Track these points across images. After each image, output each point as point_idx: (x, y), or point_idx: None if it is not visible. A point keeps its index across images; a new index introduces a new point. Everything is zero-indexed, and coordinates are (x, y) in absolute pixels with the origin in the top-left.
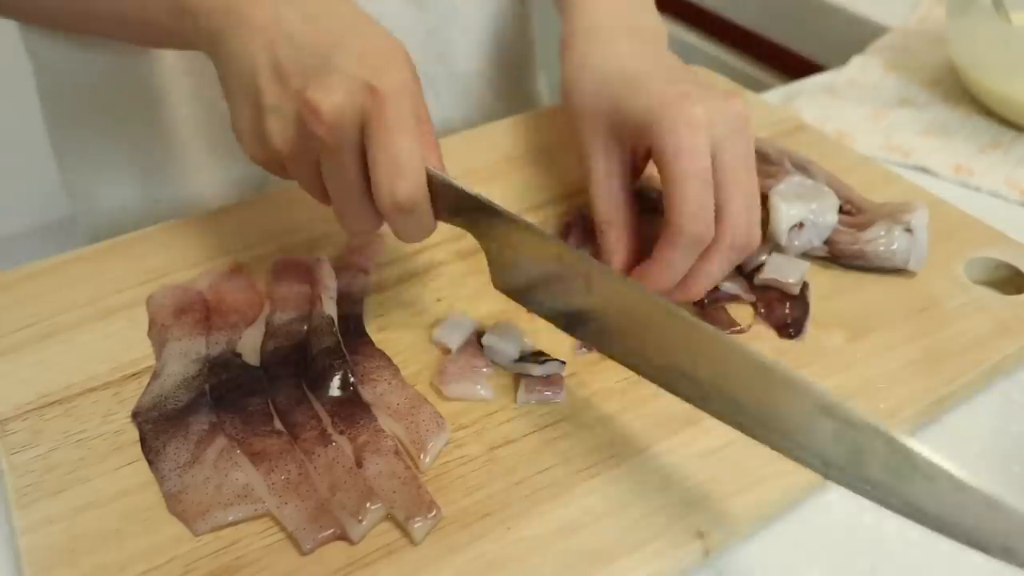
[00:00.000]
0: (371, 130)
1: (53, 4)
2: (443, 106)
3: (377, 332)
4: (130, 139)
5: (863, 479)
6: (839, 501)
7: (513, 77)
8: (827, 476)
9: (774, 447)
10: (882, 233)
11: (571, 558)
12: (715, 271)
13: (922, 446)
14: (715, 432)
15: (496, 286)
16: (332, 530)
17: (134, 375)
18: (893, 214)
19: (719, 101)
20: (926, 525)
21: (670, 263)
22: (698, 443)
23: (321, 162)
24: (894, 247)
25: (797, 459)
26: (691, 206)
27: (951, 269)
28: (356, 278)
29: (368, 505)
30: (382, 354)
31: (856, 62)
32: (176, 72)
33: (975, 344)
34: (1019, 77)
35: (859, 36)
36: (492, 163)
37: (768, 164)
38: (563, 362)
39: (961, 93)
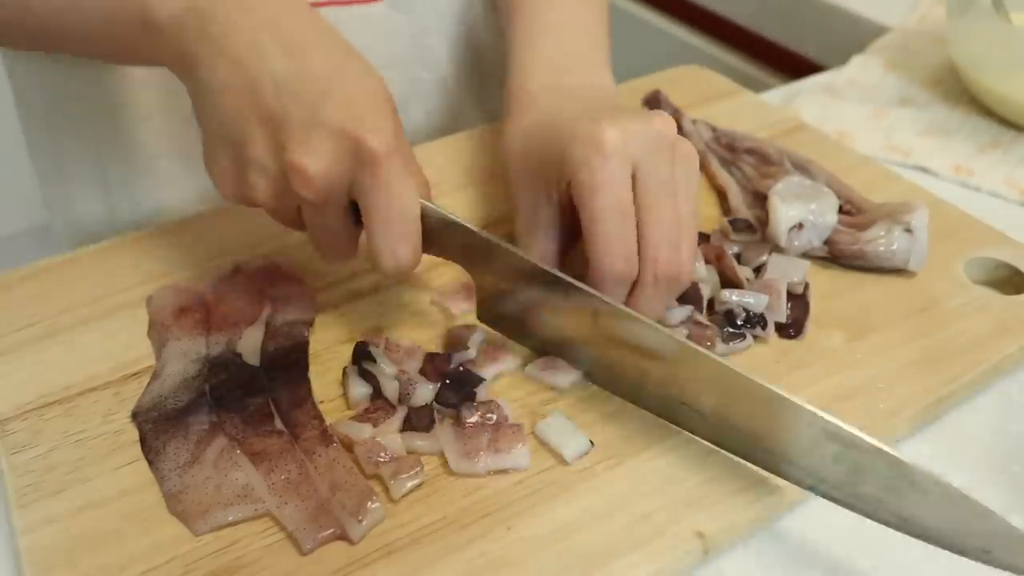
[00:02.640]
0: (366, 191)
1: (18, 22)
2: (429, 112)
3: (375, 332)
4: (100, 150)
5: (857, 495)
6: None
7: (493, 84)
8: (819, 493)
9: (773, 471)
10: (882, 233)
11: (571, 558)
12: (644, 307)
13: (916, 464)
14: None
15: (480, 319)
16: (332, 530)
17: (134, 375)
18: (893, 214)
19: (637, 122)
20: (910, 534)
21: None
22: (698, 443)
23: (303, 211)
24: (894, 247)
25: (794, 480)
26: (607, 244)
27: (951, 269)
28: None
29: (368, 505)
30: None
31: (856, 62)
32: (146, 85)
33: (975, 344)
34: (1019, 77)
35: (859, 36)
36: (487, 167)
37: (768, 164)
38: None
39: (961, 93)
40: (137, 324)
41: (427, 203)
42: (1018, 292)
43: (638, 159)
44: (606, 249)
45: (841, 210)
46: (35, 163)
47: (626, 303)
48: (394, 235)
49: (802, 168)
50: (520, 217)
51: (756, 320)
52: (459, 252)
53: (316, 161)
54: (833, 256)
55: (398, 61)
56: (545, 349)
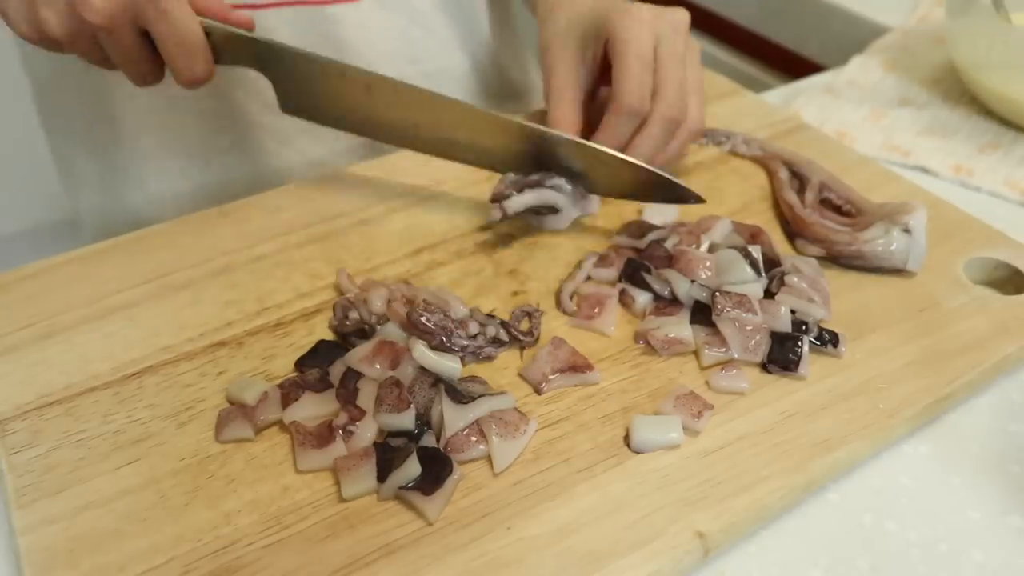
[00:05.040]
0: (151, 22)
1: None
2: None
3: None
4: (96, 150)
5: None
6: (839, 501)
7: (491, 77)
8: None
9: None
10: (880, 234)
11: (571, 558)
12: (651, 135)
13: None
14: (715, 432)
15: (284, 111)
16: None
17: (134, 375)
18: (891, 215)
19: (664, 10)
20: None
21: (613, 128)
22: (698, 443)
23: (100, 40)
24: (892, 247)
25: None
26: (631, 82)
27: (951, 269)
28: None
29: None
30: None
31: (856, 62)
32: (137, 94)
33: (975, 344)
34: (1019, 77)
35: (859, 36)
36: None
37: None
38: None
39: (961, 93)
40: (137, 324)
41: (210, 22)
42: (1018, 292)
43: (660, 34)
44: (628, 89)
45: (840, 210)
46: (54, 159)
47: (632, 140)
48: (186, 56)
49: (799, 168)
50: (555, 79)
51: (829, 339)
52: (251, 59)
53: None
54: (832, 256)
55: (385, 57)
56: (339, 123)
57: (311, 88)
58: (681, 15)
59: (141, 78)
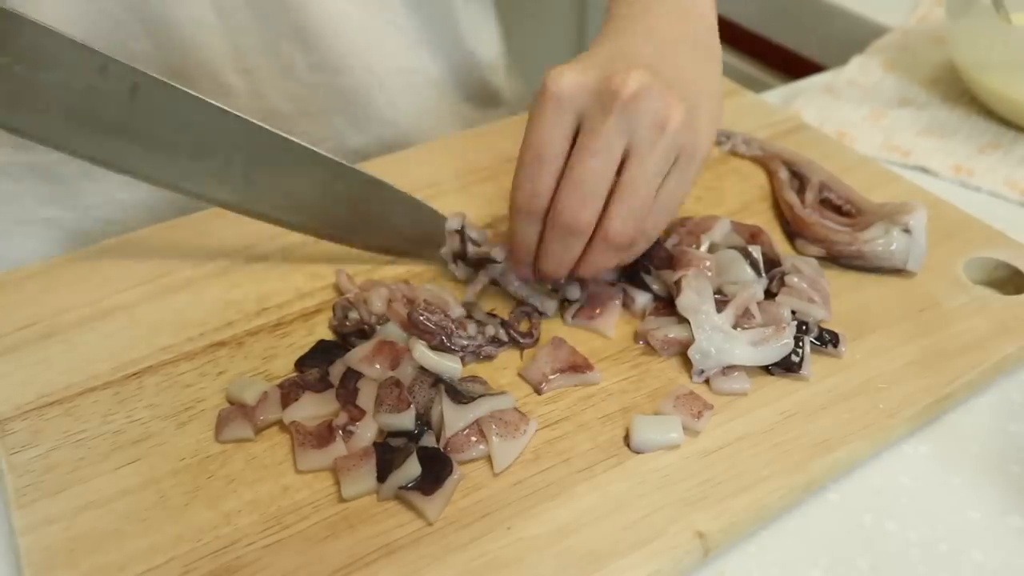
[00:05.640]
0: None
1: None
2: (391, 103)
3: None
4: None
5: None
6: (839, 501)
7: (471, 80)
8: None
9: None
10: (880, 234)
11: (571, 558)
12: (593, 259)
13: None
14: (715, 432)
15: None
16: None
17: (134, 375)
18: (891, 215)
19: (594, 75)
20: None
21: (514, 232)
22: (698, 443)
23: None
24: (892, 247)
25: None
26: (519, 177)
27: (951, 269)
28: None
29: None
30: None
31: (856, 62)
32: None
33: (975, 344)
34: (1019, 77)
35: (859, 36)
36: (487, 166)
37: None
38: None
39: (961, 93)
40: (137, 324)
41: None
42: (1018, 292)
43: (583, 111)
44: (517, 182)
45: (840, 210)
46: None
47: (582, 255)
48: None
49: (799, 168)
50: (527, 143)
51: (829, 339)
52: None
53: None
54: (832, 256)
55: (355, 50)
56: (70, 142)
57: (53, 82)
58: (620, 83)
59: None
